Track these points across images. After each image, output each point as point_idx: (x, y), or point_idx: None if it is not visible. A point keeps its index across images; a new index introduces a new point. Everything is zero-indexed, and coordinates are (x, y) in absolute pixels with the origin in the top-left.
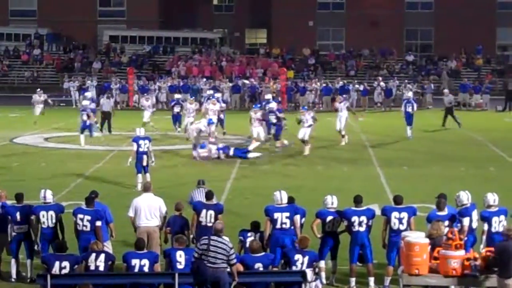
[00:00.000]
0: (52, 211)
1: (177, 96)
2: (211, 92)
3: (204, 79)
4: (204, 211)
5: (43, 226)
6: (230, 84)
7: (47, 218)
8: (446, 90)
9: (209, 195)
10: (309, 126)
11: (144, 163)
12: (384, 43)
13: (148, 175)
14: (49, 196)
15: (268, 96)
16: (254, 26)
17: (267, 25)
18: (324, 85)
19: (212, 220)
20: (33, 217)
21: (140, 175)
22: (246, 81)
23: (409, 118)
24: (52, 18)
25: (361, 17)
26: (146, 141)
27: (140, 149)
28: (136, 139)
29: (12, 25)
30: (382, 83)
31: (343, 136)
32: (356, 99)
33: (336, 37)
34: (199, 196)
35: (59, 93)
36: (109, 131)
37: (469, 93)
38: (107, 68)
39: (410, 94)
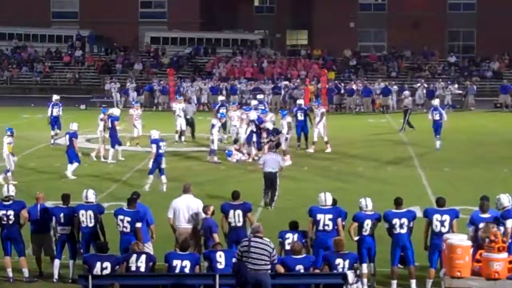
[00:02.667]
0: (91, 211)
1: (220, 98)
2: (255, 102)
3: (245, 80)
4: (231, 211)
5: (82, 225)
6: (271, 86)
7: (86, 218)
8: (406, 92)
9: (235, 195)
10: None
11: (163, 165)
12: (426, 44)
13: (164, 177)
14: (91, 196)
15: (300, 101)
16: (295, 27)
17: (308, 26)
18: (362, 86)
19: (241, 219)
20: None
21: (152, 176)
22: (286, 83)
23: (437, 127)
24: (94, 20)
25: (402, 18)
26: (164, 143)
27: (160, 151)
28: (155, 141)
29: (54, 27)
30: (425, 84)
31: (326, 143)
32: (396, 100)
33: (377, 39)
34: (272, 158)
35: (101, 94)
36: (193, 136)
37: (510, 94)
38: (148, 69)
39: (436, 102)
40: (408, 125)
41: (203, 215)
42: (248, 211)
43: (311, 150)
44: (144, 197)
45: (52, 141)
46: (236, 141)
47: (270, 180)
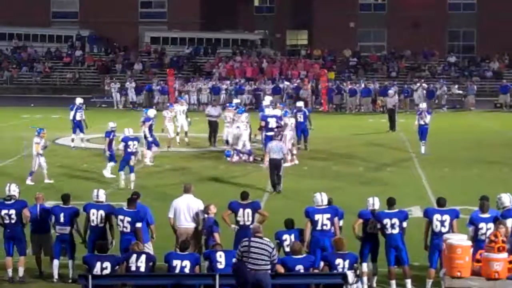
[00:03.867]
0: (103, 211)
1: (236, 101)
2: (268, 102)
3: (242, 80)
4: (241, 210)
5: (91, 224)
6: (271, 86)
7: (96, 217)
8: (391, 91)
9: (244, 196)
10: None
11: (132, 163)
12: (426, 44)
13: (133, 175)
14: (102, 195)
15: (300, 103)
16: (295, 27)
17: (308, 26)
18: (362, 86)
19: (250, 218)
20: (79, 217)
21: (122, 173)
22: (287, 83)
23: (422, 132)
24: (94, 20)
25: (402, 18)
26: (135, 142)
27: (129, 150)
28: (125, 139)
29: (54, 27)
30: (424, 84)
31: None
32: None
33: (377, 38)
34: (276, 146)
35: (101, 94)
36: (214, 142)
37: (510, 94)
38: (148, 69)
39: (423, 105)
40: (391, 125)
41: (204, 215)
42: (258, 209)
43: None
44: (144, 197)
45: (72, 144)
46: (227, 142)
47: (275, 166)
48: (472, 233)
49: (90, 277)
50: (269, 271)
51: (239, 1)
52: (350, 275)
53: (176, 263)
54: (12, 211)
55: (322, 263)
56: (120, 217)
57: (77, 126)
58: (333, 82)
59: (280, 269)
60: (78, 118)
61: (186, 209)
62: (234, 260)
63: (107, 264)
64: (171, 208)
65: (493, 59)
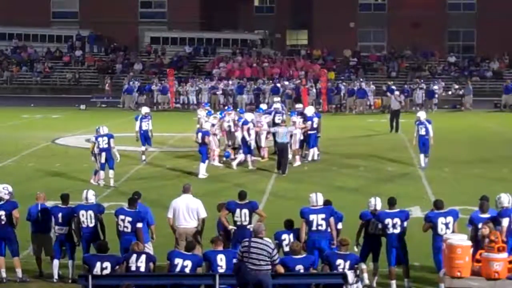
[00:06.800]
0: (92, 211)
1: (276, 105)
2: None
3: (240, 81)
4: (238, 210)
5: (83, 225)
6: (271, 86)
7: (86, 218)
8: (397, 92)
9: (242, 196)
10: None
11: (102, 160)
12: (426, 44)
13: (112, 171)
14: (91, 197)
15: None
16: (295, 27)
17: (308, 26)
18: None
19: (247, 218)
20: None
21: (102, 172)
22: (286, 83)
23: (423, 143)
24: (94, 20)
25: (402, 18)
26: (105, 138)
27: (100, 146)
28: (96, 137)
29: (54, 27)
30: (423, 85)
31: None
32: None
33: (377, 38)
34: (283, 131)
35: (101, 94)
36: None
37: None
38: (148, 69)
39: (421, 114)
40: (392, 126)
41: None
42: (256, 209)
43: (298, 162)
44: (145, 197)
45: (143, 157)
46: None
47: (281, 149)
48: (472, 233)
49: (90, 277)
50: (270, 271)
51: (239, 1)
52: (350, 275)
53: (178, 261)
54: (2, 212)
55: (320, 263)
56: (121, 217)
57: (144, 137)
58: (332, 82)
59: (280, 269)
60: (144, 128)
61: (185, 209)
62: (234, 260)
63: (107, 264)
64: (170, 208)
65: (493, 59)
